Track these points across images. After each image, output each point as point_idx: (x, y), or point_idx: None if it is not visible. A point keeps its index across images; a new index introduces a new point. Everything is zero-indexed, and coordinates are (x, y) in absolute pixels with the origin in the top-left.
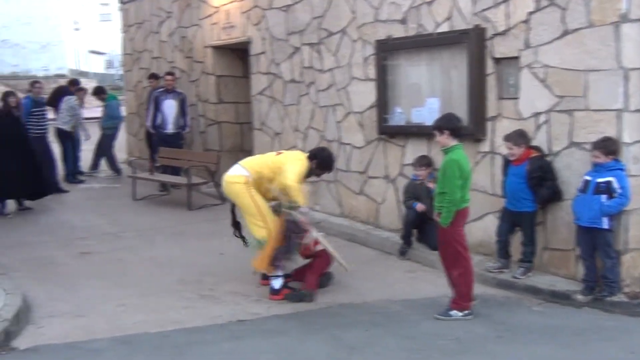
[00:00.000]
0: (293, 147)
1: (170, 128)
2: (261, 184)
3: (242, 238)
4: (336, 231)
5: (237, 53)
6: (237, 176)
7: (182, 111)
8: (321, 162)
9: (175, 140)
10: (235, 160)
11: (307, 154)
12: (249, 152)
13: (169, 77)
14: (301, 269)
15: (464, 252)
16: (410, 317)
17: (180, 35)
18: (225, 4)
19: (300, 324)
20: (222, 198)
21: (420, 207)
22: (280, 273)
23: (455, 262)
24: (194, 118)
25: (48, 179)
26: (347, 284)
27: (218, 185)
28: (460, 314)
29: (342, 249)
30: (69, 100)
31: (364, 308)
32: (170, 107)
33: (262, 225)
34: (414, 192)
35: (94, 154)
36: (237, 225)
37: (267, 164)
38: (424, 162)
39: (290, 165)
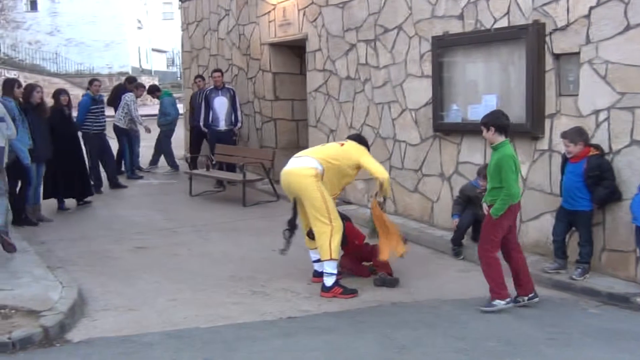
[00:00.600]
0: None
1: (222, 125)
2: (330, 177)
3: (287, 243)
4: None
5: (294, 50)
6: (307, 168)
7: (233, 107)
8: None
9: (228, 137)
10: (290, 157)
11: (354, 142)
12: (304, 149)
13: (216, 75)
14: (356, 262)
15: (496, 245)
16: (460, 317)
17: (238, 33)
18: (282, 2)
19: (351, 322)
20: (277, 195)
21: (455, 222)
22: (336, 270)
23: (488, 251)
24: (250, 115)
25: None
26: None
27: (273, 182)
28: (503, 302)
29: None
30: (124, 97)
31: (414, 307)
32: (221, 104)
33: (326, 221)
34: (469, 196)
35: (154, 151)
36: (293, 226)
37: (336, 155)
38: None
39: (365, 157)
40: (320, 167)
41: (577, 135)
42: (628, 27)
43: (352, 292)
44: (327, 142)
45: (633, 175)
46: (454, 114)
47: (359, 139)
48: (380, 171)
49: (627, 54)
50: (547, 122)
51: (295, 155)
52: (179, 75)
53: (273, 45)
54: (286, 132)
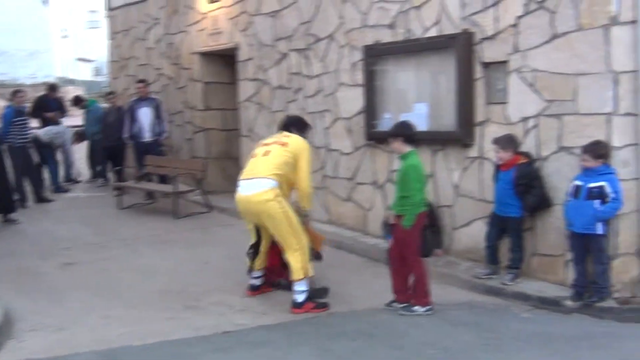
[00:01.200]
0: None
1: (147, 136)
2: (284, 189)
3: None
4: None
5: (225, 59)
6: (265, 192)
7: (158, 117)
8: (304, 128)
9: (154, 148)
10: (221, 167)
11: (298, 139)
12: (236, 160)
13: (139, 85)
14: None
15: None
16: (398, 326)
17: (167, 42)
18: (212, 10)
19: (287, 335)
20: (209, 206)
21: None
22: (307, 287)
23: (416, 261)
24: (180, 125)
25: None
26: (334, 292)
27: (205, 192)
28: (423, 309)
29: (329, 256)
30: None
31: (351, 317)
32: (145, 114)
33: (294, 245)
34: None
35: (89, 163)
36: (257, 250)
37: (284, 160)
38: None
39: (304, 161)
40: (275, 183)
41: (507, 142)
42: (554, 36)
43: (325, 306)
44: None
45: (561, 181)
46: (386, 123)
47: (300, 125)
48: (306, 184)
49: (554, 62)
50: (477, 130)
51: (245, 175)
52: (105, 85)
53: (203, 54)
54: (218, 143)
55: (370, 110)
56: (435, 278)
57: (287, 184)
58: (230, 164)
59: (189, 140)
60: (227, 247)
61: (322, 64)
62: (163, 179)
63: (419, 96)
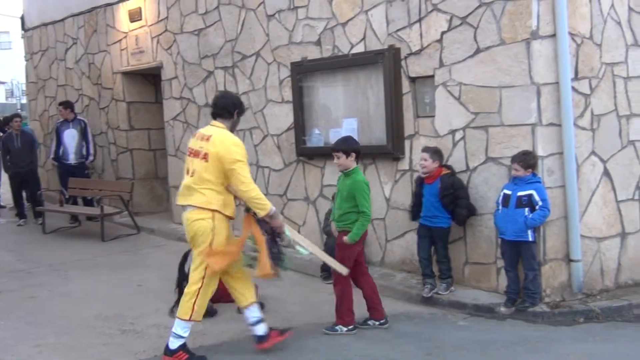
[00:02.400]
0: None
1: (72, 158)
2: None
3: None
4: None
5: (148, 78)
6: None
7: (85, 140)
8: (239, 108)
9: (79, 171)
10: (149, 188)
11: (218, 120)
12: (163, 179)
13: (60, 108)
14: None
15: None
16: (339, 340)
17: (87, 62)
18: (134, 29)
19: (228, 354)
20: (138, 227)
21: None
22: (259, 314)
23: (341, 279)
24: (104, 146)
25: None
26: (273, 309)
27: (133, 214)
28: (346, 328)
29: None
30: None
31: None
32: (70, 137)
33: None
34: None
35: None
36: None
37: (218, 168)
38: None
39: (235, 159)
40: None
41: (436, 153)
42: (478, 50)
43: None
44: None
45: (490, 191)
46: (316, 138)
47: (233, 108)
48: (247, 184)
49: (479, 75)
50: (407, 143)
51: (184, 193)
52: (19, 107)
53: (126, 73)
54: (144, 163)
55: (300, 127)
56: None
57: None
58: (157, 184)
59: (113, 161)
60: (159, 268)
61: (249, 82)
62: (88, 202)
63: (348, 111)
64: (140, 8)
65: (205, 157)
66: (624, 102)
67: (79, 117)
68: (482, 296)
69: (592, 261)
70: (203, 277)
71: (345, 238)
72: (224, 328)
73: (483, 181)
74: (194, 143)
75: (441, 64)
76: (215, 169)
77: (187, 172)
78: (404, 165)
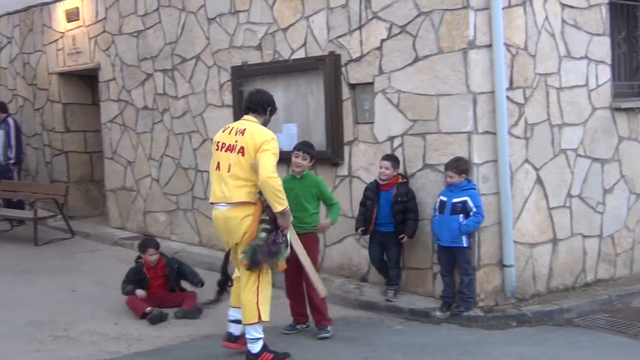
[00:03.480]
0: (147, 176)
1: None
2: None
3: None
4: (195, 261)
5: (85, 80)
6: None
7: (9, 141)
8: (272, 106)
9: (4, 172)
10: (84, 191)
11: (251, 114)
12: (99, 183)
13: None
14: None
15: None
16: (277, 345)
17: (22, 62)
18: (71, 30)
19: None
20: (72, 231)
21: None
22: (262, 334)
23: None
24: (38, 148)
25: None
26: (209, 314)
27: (67, 218)
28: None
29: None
30: None
31: None
32: None
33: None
34: None
35: None
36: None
37: (248, 162)
38: None
39: (266, 148)
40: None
41: (396, 160)
42: (417, 59)
43: (286, 356)
44: (125, 174)
45: (427, 197)
46: None
47: (267, 104)
48: (267, 169)
49: (417, 83)
50: (346, 149)
51: (218, 189)
52: None
53: (62, 74)
54: (79, 165)
55: None
56: None
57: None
58: (93, 187)
59: (48, 163)
60: (94, 273)
61: (189, 85)
62: (16, 205)
63: (288, 116)
64: (77, 8)
65: (241, 151)
66: (557, 112)
67: (8, 117)
68: (419, 301)
69: (524, 266)
70: (258, 278)
71: (327, 220)
72: (159, 333)
73: (420, 187)
74: (226, 137)
75: (381, 72)
76: (246, 165)
77: (217, 167)
78: (343, 171)
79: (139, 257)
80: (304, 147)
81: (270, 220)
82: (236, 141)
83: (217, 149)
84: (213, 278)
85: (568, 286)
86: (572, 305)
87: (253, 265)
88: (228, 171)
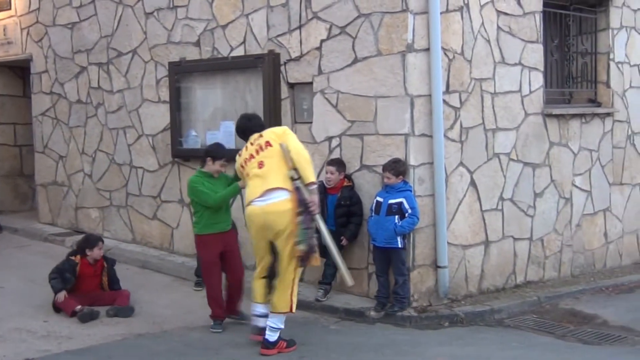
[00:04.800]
0: (79, 171)
1: None
2: None
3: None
4: (127, 258)
5: (15, 71)
6: (285, 201)
7: None
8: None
9: None
10: (13, 185)
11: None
12: (29, 177)
13: None
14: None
15: None
16: (210, 344)
17: None
18: (2, 19)
19: (95, 359)
20: (0, 226)
21: None
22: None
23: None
24: None
25: None
26: (142, 313)
27: None
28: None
29: (135, 276)
30: None
31: (162, 337)
32: None
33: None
34: None
35: None
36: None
37: (279, 153)
38: None
39: (285, 131)
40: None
41: (341, 165)
42: (356, 60)
43: (294, 343)
44: (57, 169)
45: (363, 198)
46: (192, 140)
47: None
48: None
49: (355, 84)
50: None
51: (256, 188)
52: None
53: None
54: (8, 159)
55: (176, 128)
56: (246, 294)
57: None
58: (22, 181)
59: None
60: (23, 269)
61: (124, 79)
62: None
63: (225, 114)
64: None
65: (268, 144)
66: (491, 117)
67: None
68: (354, 300)
69: (457, 268)
70: (295, 268)
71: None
72: (91, 332)
73: (357, 188)
74: (246, 153)
75: (320, 72)
76: (278, 154)
77: (248, 176)
78: None
79: (73, 254)
80: (213, 152)
81: (301, 203)
82: (259, 144)
83: (244, 166)
84: (147, 276)
85: (499, 287)
86: (503, 306)
87: (311, 251)
88: (259, 168)
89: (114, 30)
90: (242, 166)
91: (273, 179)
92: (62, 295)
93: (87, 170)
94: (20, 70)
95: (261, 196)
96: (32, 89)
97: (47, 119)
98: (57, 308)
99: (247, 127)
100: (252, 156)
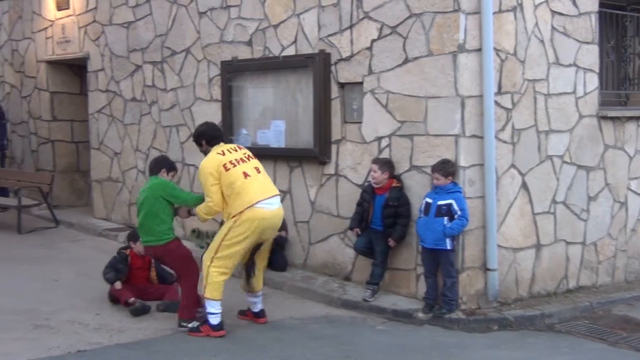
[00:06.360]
0: (133, 168)
1: None
2: None
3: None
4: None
5: (73, 69)
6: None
7: None
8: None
9: None
10: (69, 181)
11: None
12: (85, 173)
13: None
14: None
15: None
16: (258, 341)
17: (10, 49)
18: (60, 18)
19: (145, 353)
20: (56, 220)
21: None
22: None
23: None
24: (24, 136)
25: None
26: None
27: (52, 206)
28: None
29: None
30: None
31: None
32: None
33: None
34: None
35: None
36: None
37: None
38: None
39: None
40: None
41: (385, 164)
42: (406, 60)
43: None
44: (111, 165)
45: (412, 198)
46: (243, 139)
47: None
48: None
49: (406, 84)
50: (334, 148)
51: (266, 195)
52: None
53: (51, 63)
54: (65, 155)
55: (228, 126)
56: (293, 293)
57: None
58: (79, 177)
59: (34, 151)
60: (77, 263)
61: (178, 78)
62: (4, 192)
63: (276, 113)
64: None
65: (252, 156)
66: (544, 118)
67: None
68: (401, 301)
69: (507, 271)
70: None
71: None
72: (141, 325)
73: (406, 189)
74: (231, 156)
75: (370, 72)
76: None
77: (246, 175)
78: (330, 169)
79: (124, 248)
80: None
81: None
82: (245, 153)
83: (234, 166)
84: None
85: (550, 292)
86: (554, 310)
87: None
88: (259, 172)
89: (168, 29)
90: (233, 164)
91: (272, 185)
92: (118, 283)
93: (140, 167)
94: (77, 68)
95: (268, 199)
96: (88, 87)
97: (102, 116)
98: (113, 298)
99: (219, 135)
100: (243, 160)
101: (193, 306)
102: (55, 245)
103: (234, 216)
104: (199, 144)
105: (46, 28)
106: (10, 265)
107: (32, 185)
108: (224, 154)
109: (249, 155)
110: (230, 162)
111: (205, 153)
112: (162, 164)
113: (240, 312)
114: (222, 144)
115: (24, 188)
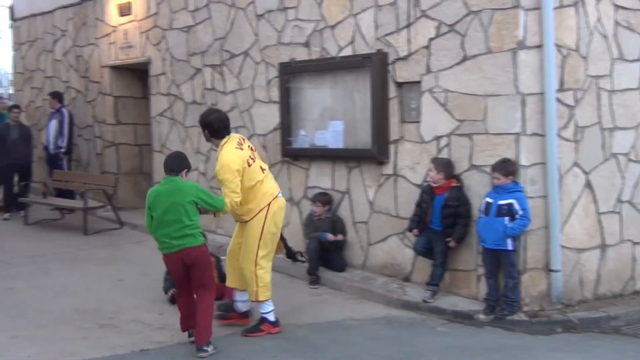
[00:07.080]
0: (194, 170)
1: (51, 148)
2: None
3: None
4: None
5: (136, 73)
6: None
7: (62, 131)
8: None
9: (54, 161)
10: (133, 183)
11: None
12: (148, 175)
13: (48, 97)
14: None
15: None
16: (316, 342)
17: (75, 55)
18: (123, 24)
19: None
20: (121, 222)
21: (330, 237)
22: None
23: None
24: (90, 140)
25: None
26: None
27: (116, 208)
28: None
29: None
30: None
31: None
32: (52, 127)
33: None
34: (314, 226)
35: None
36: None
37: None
38: (322, 199)
39: None
40: None
41: (442, 165)
42: (465, 58)
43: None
44: None
45: (472, 198)
46: (301, 140)
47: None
48: None
49: (464, 83)
50: (392, 148)
51: (278, 189)
52: (6, 97)
53: (114, 68)
54: (129, 158)
55: (286, 127)
56: (352, 293)
57: None
58: (142, 179)
59: (99, 155)
60: (141, 264)
61: (237, 80)
62: (67, 195)
63: (334, 114)
64: (129, 3)
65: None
66: (608, 115)
67: (63, 108)
68: (462, 303)
69: (571, 272)
70: None
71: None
72: None
73: (466, 188)
74: (247, 152)
75: (428, 70)
76: None
77: (262, 170)
78: (388, 169)
79: None
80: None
81: None
82: (249, 146)
83: (253, 161)
84: None
85: (616, 293)
86: (620, 313)
87: None
88: (263, 170)
89: (226, 32)
90: (252, 159)
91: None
92: (170, 292)
93: (201, 169)
94: (140, 72)
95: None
96: (150, 91)
97: (164, 119)
98: (173, 300)
99: (227, 126)
100: (253, 157)
101: (211, 324)
102: (120, 246)
103: (260, 210)
104: (203, 131)
105: (109, 34)
106: (76, 266)
107: (97, 187)
108: (242, 148)
109: (252, 148)
110: (250, 157)
111: (207, 140)
112: (185, 163)
113: (220, 317)
114: (232, 134)
115: (89, 190)
